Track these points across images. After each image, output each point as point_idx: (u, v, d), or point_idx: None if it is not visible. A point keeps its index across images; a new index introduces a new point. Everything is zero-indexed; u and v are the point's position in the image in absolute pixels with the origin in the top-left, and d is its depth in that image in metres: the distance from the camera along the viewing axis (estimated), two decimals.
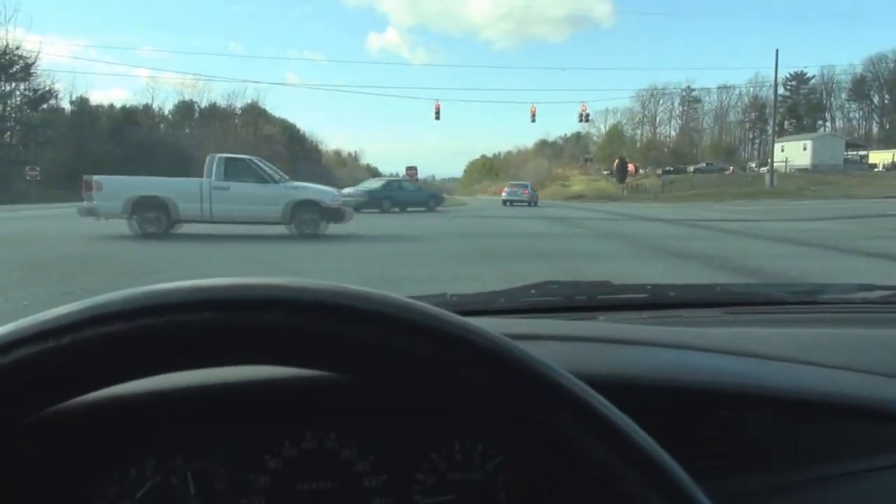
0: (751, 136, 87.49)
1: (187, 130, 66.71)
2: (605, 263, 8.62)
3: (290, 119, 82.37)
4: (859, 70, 78.47)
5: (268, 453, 0.61)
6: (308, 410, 0.62)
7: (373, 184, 28.47)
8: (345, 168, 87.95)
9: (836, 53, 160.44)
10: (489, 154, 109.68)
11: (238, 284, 0.35)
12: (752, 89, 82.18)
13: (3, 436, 0.36)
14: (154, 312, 0.33)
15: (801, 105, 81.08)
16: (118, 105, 63.73)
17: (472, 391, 0.36)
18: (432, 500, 0.62)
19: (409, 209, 25.73)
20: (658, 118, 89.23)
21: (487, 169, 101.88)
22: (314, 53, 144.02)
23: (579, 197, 51.17)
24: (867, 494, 0.65)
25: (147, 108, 66.22)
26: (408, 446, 0.63)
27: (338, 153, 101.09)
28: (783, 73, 75.57)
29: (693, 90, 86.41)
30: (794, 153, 59.87)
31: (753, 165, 67.26)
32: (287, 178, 13.38)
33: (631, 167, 57.26)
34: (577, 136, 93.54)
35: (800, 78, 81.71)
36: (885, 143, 70.60)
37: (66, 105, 56.46)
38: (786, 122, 77.99)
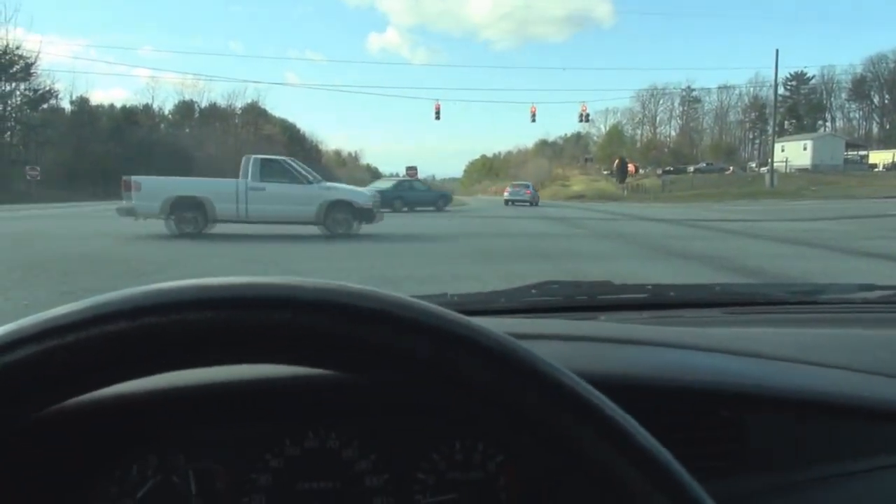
0: (751, 136, 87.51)
1: (187, 130, 66.73)
2: (606, 263, 8.60)
3: (291, 119, 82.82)
4: (859, 70, 78.66)
5: (269, 452, 0.61)
6: (309, 410, 0.62)
7: (384, 184, 28.95)
8: (345, 168, 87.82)
9: (837, 53, 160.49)
10: (489, 154, 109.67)
11: (246, 284, 0.35)
12: (752, 89, 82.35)
13: (3, 435, 0.36)
14: (158, 311, 0.33)
15: (801, 105, 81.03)
16: (118, 105, 63.91)
17: (475, 390, 0.35)
18: (433, 500, 0.62)
19: (417, 209, 26.18)
20: (658, 118, 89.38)
21: (487, 169, 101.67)
22: (314, 53, 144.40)
23: (579, 197, 51.07)
24: (867, 494, 0.65)
25: (147, 108, 66.24)
26: (409, 446, 0.63)
27: (338, 153, 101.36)
28: (783, 74, 75.81)
29: (693, 90, 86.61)
30: (794, 153, 59.84)
31: (753, 165, 67.21)
32: (321, 178, 13.35)
33: (631, 167, 57.21)
34: (578, 136, 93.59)
35: (800, 78, 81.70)
36: (886, 143, 70.55)
37: (66, 105, 56.64)
38: (786, 122, 77.95)
